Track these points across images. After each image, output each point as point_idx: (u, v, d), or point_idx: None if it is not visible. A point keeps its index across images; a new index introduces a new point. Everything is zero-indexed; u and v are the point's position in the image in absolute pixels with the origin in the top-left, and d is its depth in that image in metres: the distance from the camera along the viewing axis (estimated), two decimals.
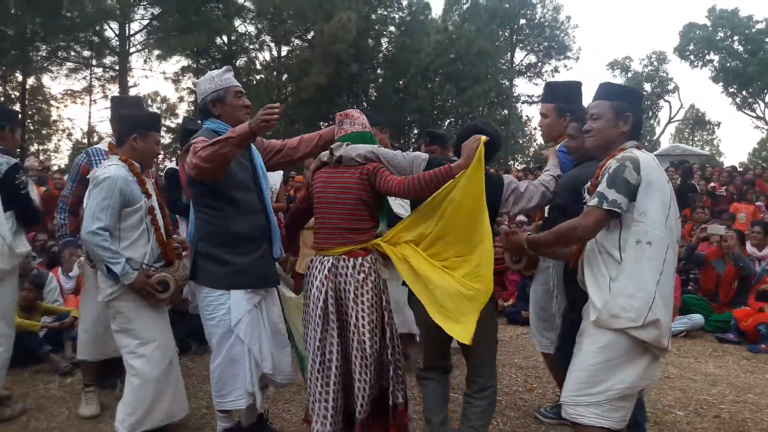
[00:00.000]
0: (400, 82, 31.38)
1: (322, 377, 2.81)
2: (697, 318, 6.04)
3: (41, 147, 32.42)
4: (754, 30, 32.09)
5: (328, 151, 2.97)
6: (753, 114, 35.20)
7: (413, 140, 31.83)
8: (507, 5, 35.49)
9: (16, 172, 3.61)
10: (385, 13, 31.72)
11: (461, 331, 2.57)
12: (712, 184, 11.78)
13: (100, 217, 3.03)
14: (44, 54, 24.48)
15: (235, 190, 2.95)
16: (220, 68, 3.14)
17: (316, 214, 2.99)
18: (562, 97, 3.45)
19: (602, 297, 2.34)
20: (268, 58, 29.84)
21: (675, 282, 2.45)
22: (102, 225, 3.03)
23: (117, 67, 25.76)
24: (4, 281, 3.61)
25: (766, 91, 33.26)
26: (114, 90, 27.25)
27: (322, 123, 29.29)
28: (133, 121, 3.34)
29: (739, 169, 15.06)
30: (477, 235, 2.64)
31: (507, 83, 35.26)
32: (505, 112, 35.59)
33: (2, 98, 24.53)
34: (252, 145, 3.06)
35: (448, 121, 32.90)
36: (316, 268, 2.89)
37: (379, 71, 32.22)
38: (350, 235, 2.85)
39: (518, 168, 20.39)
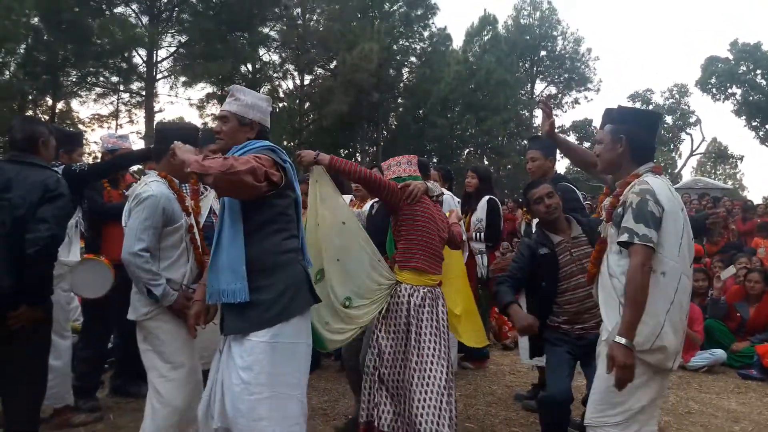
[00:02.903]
0: (420, 111, 31.64)
1: (400, 394, 3.13)
2: (719, 353, 5.91)
3: None
4: None
5: (432, 187, 3.41)
6: None
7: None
8: (528, 37, 35.80)
9: (69, 169, 3.88)
10: (407, 44, 32.20)
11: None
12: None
13: (142, 238, 2.87)
14: (74, 79, 25.20)
15: None
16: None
17: (420, 234, 3.23)
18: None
19: (614, 319, 2.35)
20: (291, 86, 30.38)
21: (696, 312, 2.43)
22: (144, 246, 2.86)
23: (144, 93, 26.43)
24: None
25: None
26: (140, 115, 27.88)
27: (342, 150, 29.59)
28: (170, 135, 3.08)
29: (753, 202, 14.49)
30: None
31: (527, 114, 35.37)
32: (525, 142, 35.56)
33: None
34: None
35: (468, 150, 33.00)
36: (429, 297, 3.18)
37: (399, 100, 32.56)
38: (441, 264, 3.33)
39: None
